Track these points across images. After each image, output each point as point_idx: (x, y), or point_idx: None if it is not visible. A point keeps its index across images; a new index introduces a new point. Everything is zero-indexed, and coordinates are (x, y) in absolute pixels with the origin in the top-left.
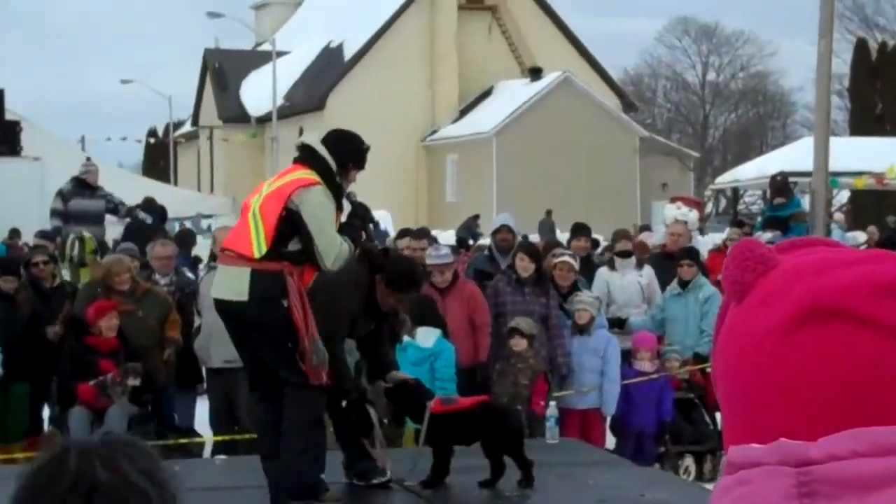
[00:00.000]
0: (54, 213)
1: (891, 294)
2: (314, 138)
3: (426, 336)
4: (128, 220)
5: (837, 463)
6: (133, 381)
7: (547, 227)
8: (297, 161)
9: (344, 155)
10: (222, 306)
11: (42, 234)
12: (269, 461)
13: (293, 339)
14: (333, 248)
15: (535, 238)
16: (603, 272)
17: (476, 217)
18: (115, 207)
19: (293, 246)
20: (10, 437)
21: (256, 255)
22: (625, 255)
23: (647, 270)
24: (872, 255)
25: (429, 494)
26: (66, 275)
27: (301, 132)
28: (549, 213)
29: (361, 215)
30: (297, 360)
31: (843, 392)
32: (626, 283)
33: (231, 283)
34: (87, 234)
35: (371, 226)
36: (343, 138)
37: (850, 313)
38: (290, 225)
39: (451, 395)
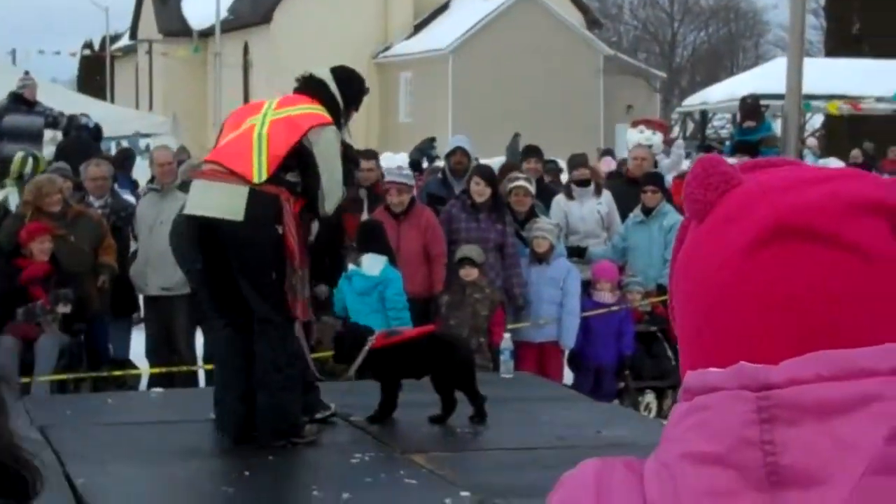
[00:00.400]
0: None
1: (858, 212)
2: (323, 71)
3: (372, 264)
4: (69, 132)
5: (800, 387)
6: (63, 308)
7: (513, 151)
8: (301, 91)
9: (351, 96)
10: (204, 223)
11: None
12: (230, 391)
13: (279, 268)
14: (336, 193)
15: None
16: (560, 201)
17: (432, 140)
18: (54, 120)
19: (292, 177)
20: None
21: (256, 180)
22: (583, 183)
23: (606, 197)
24: (841, 172)
25: (375, 430)
26: (10, 195)
27: (246, 48)
28: (516, 136)
29: (353, 159)
30: (279, 291)
31: (808, 314)
32: (586, 213)
33: (222, 201)
34: (38, 153)
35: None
36: (354, 79)
37: (816, 232)
38: (296, 159)
39: (397, 328)
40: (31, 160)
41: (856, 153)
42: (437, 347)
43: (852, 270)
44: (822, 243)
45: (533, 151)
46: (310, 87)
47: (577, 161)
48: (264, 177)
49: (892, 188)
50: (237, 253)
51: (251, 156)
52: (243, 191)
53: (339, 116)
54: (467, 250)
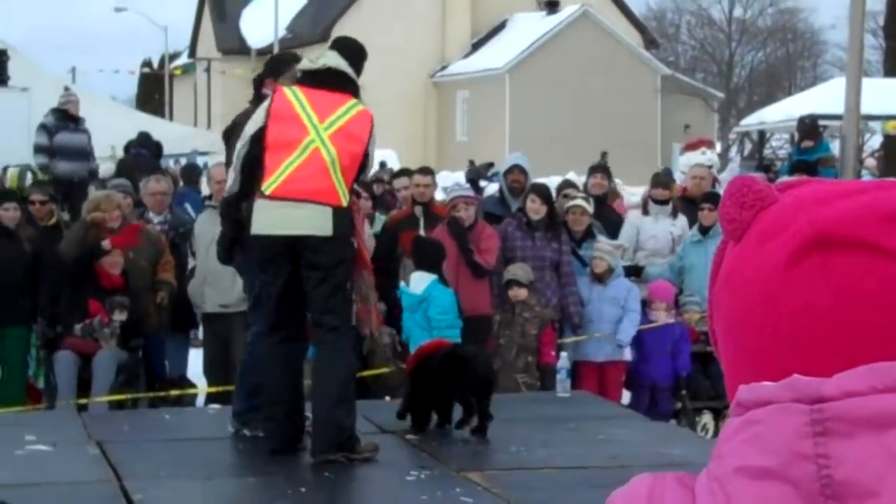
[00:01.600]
0: (39, 149)
1: (892, 219)
2: (335, 58)
3: (418, 281)
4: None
5: (853, 399)
6: (119, 316)
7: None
8: (324, 86)
9: (361, 69)
10: (285, 242)
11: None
12: (281, 406)
13: (352, 280)
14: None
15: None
16: (634, 216)
17: (490, 165)
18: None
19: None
20: (10, 390)
21: (344, 203)
22: (662, 202)
23: (682, 221)
24: (876, 183)
25: (431, 447)
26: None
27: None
28: (604, 155)
29: None
30: (349, 302)
31: (853, 323)
32: (658, 231)
33: (311, 219)
34: (34, 168)
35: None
36: (360, 53)
37: (856, 241)
38: (361, 165)
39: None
40: (28, 174)
41: None
42: (456, 362)
43: (894, 276)
44: (862, 251)
45: (600, 168)
46: (333, 80)
47: (660, 180)
48: (347, 198)
49: None
50: (321, 266)
51: (330, 180)
52: (328, 210)
53: (360, 92)
54: (513, 271)
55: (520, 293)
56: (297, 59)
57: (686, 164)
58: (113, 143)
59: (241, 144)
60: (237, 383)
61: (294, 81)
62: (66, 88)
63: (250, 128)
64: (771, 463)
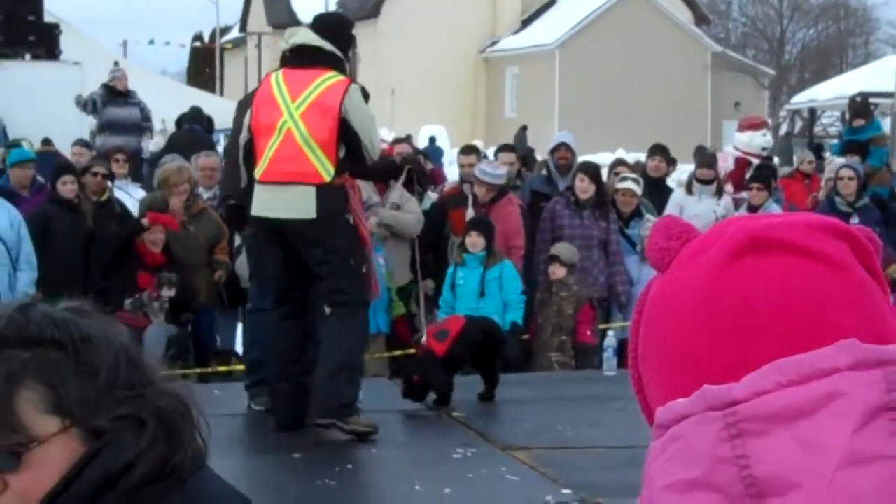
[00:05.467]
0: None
1: (820, 231)
2: (309, 35)
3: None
4: (181, 125)
5: (762, 398)
6: (168, 292)
7: (521, 143)
8: (300, 64)
9: (346, 42)
10: (277, 225)
11: (81, 143)
12: (288, 380)
13: (356, 254)
14: (377, 142)
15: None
16: (678, 195)
17: (523, 128)
18: (145, 117)
19: (341, 152)
20: None
21: (327, 180)
22: (706, 182)
23: (726, 200)
24: (797, 212)
25: (478, 425)
26: None
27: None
28: (523, 128)
29: (367, 95)
30: (361, 275)
31: (787, 315)
32: (701, 211)
33: (292, 202)
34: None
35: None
36: (341, 26)
37: (788, 243)
38: (341, 135)
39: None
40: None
41: None
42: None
43: (828, 278)
44: (796, 253)
45: (660, 149)
46: (307, 57)
47: (705, 160)
48: (332, 174)
49: (847, 224)
50: (314, 249)
51: (307, 159)
52: (311, 190)
53: (345, 66)
54: (559, 248)
55: (559, 271)
56: None
57: (746, 144)
58: (163, 118)
59: (243, 134)
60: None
61: None
62: (116, 63)
63: (246, 117)
64: (695, 474)
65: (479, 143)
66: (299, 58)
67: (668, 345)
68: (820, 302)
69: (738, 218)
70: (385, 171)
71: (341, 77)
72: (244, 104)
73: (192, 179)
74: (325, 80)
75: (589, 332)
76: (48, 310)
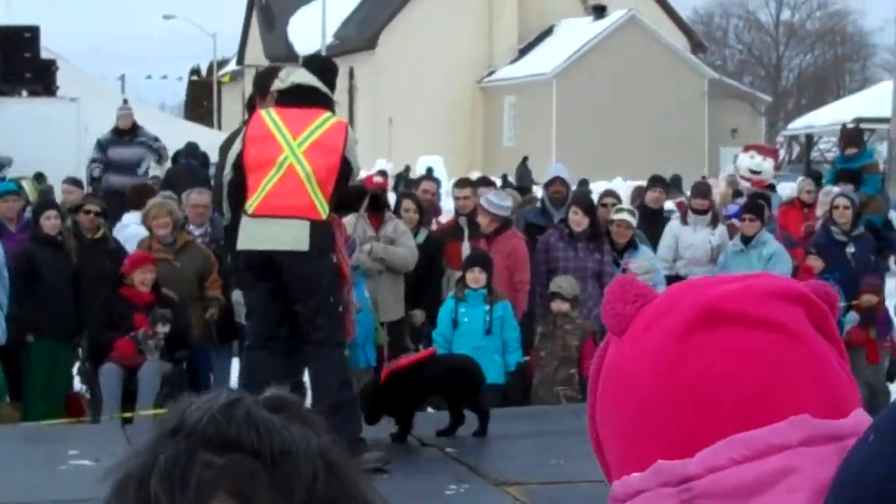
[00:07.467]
0: (93, 161)
1: (775, 299)
2: (304, 74)
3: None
4: (177, 160)
5: (716, 474)
6: (162, 328)
7: (522, 175)
8: (295, 103)
9: (333, 83)
10: (266, 258)
11: (71, 181)
12: None
13: (336, 293)
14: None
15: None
16: (673, 226)
17: (524, 161)
18: (156, 153)
19: (335, 192)
20: (53, 403)
21: (323, 217)
22: (701, 212)
23: (721, 230)
24: (753, 275)
25: (470, 460)
26: None
27: (351, 72)
28: (524, 160)
29: None
30: (338, 314)
31: (744, 389)
32: (697, 241)
33: (288, 234)
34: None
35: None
36: (330, 67)
37: (741, 315)
38: (340, 174)
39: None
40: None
41: None
42: (443, 368)
43: (781, 348)
44: (749, 325)
45: (659, 182)
46: (303, 96)
47: (699, 190)
48: (328, 211)
49: (806, 285)
50: (297, 282)
51: (307, 194)
52: (305, 225)
53: (335, 107)
54: (559, 283)
55: (562, 307)
56: None
57: (736, 167)
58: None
59: (226, 172)
60: None
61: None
62: (125, 101)
63: (231, 156)
64: None
65: (476, 174)
66: (294, 97)
67: (626, 417)
68: (774, 375)
69: (694, 284)
70: (352, 197)
71: (337, 118)
72: (225, 148)
73: (176, 214)
74: (326, 121)
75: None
76: (252, 411)
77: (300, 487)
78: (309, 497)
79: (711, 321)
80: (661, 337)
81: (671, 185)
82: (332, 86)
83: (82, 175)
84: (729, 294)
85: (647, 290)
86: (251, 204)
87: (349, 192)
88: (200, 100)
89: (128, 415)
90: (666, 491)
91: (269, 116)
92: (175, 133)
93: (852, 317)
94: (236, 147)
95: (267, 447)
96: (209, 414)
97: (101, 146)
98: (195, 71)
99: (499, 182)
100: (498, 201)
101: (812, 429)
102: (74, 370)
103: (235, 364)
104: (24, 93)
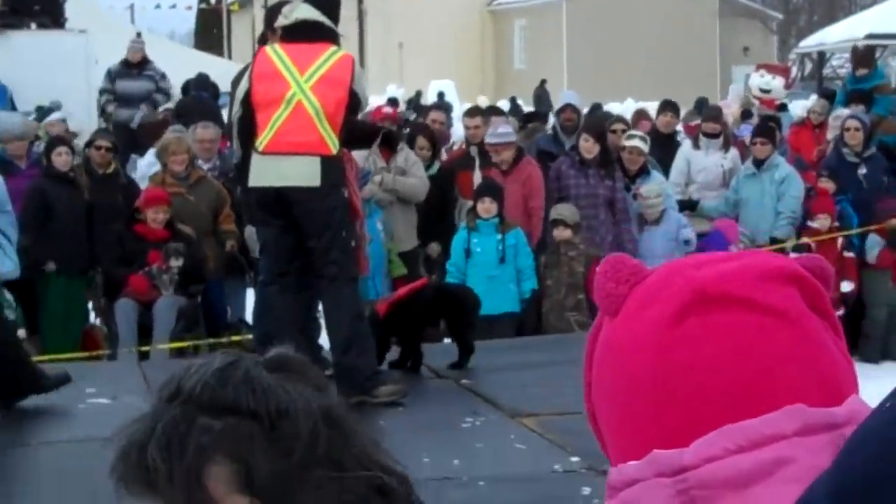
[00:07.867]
0: (103, 92)
1: (769, 280)
2: (311, 12)
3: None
4: (188, 92)
5: (712, 464)
6: (176, 262)
7: (542, 99)
8: (301, 38)
9: (338, 19)
10: (278, 194)
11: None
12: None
13: (348, 228)
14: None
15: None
16: (685, 149)
17: (542, 84)
18: (159, 89)
19: (344, 126)
20: (69, 338)
21: (333, 152)
22: (712, 135)
23: (733, 154)
24: (747, 252)
25: (486, 392)
26: None
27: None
28: (543, 82)
29: None
30: (351, 249)
31: (736, 375)
32: (709, 164)
33: (300, 170)
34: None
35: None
36: (336, 3)
37: (735, 298)
38: (349, 108)
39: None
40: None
41: None
42: (435, 295)
43: (774, 332)
44: (742, 308)
45: (670, 106)
46: (308, 31)
47: (710, 113)
48: (338, 146)
49: (798, 260)
50: (310, 218)
51: (317, 130)
52: (316, 160)
53: (339, 40)
54: (560, 210)
55: (564, 233)
56: None
57: (752, 86)
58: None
59: (234, 110)
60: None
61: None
62: (138, 35)
63: (239, 92)
64: None
65: (485, 98)
66: (299, 33)
67: (618, 402)
68: (767, 359)
69: (687, 262)
70: (364, 134)
71: (343, 51)
72: (235, 84)
73: (191, 150)
74: (332, 55)
75: None
76: (249, 374)
77: (300, 447)
78: (309, 458)
79: (701, 304)
80: (653, 320)
81: (695, 109)
82: (335, 18)
83: (93, 107)
84: (722, 275)
85: (639, 268)
86: (261, 141)
87: (362, 129)
88: (210, 28)
89: (145, 348)
90: (662, 481)
91: (275, 53)
92: (185, 63)
93: (874, 240)
94: (244, 85)
95: (264, 408)
96: (204, 379)
97: (111, 76)
98: None
99: (507, 105)
100: (499, 132)
101: (807, 418)
102: (90, 305)
103: (251, 297)
104: (33, 25)
